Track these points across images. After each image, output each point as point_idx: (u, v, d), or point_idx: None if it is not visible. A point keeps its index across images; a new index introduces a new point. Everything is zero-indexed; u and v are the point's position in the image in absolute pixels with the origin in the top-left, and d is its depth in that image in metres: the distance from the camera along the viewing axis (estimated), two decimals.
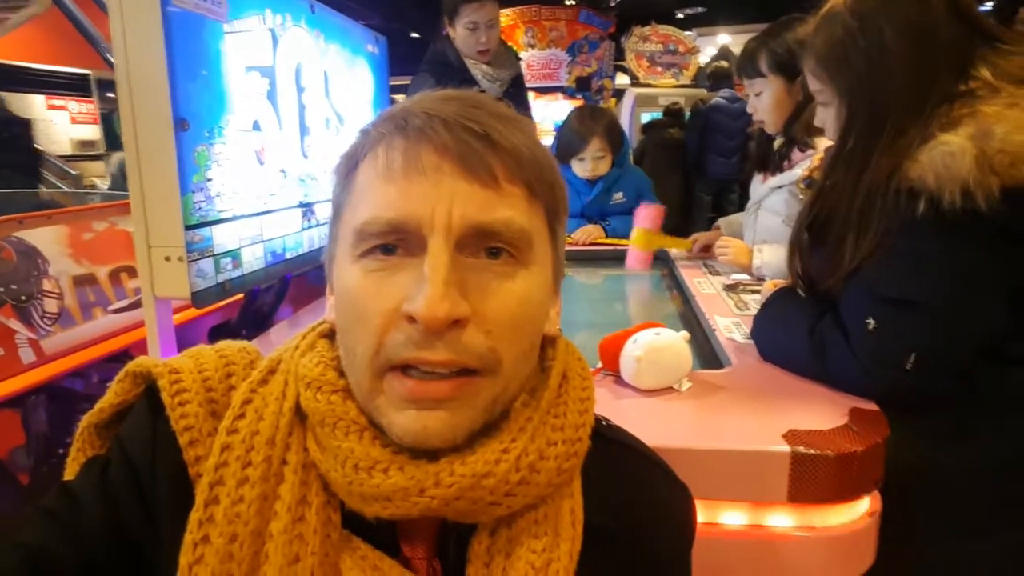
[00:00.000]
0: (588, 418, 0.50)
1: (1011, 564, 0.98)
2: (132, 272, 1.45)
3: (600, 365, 0.99)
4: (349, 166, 0.49)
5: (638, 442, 0.58)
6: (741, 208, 5.10)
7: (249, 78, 1.28)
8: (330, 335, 0.52)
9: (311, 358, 0.49)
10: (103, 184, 5.16)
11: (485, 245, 0.45)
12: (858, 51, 0.91)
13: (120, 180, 2.84)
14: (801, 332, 0.97)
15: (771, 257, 1.46)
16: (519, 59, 2.44)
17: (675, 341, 0.93)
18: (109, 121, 5.96)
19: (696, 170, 5.12)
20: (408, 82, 2.42)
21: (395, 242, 0.44)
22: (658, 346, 0.91)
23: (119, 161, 2.90)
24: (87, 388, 1.29)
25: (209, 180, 1.15)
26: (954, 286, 0.84)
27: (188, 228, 1.10)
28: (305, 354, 0.50)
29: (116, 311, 1.40)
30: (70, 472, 0.53)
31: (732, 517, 0.80)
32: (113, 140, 6.09)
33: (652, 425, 0.85)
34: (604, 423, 0.57)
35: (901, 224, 0.85)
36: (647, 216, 1.78)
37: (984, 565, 0.96)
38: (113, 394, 0.53)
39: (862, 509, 0.81)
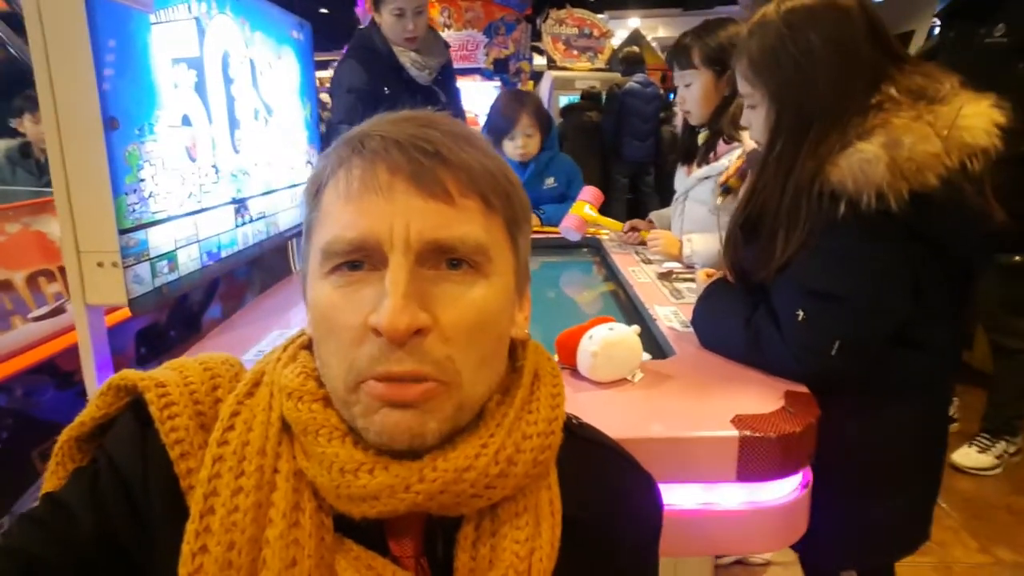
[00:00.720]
0: (560, 412, 0.53)
1: (915, 513, 1.12)
2: (50, 276, 1.35)
3: (556, 359, 1.03)
4: (315, 188, 0.52)
5: (606, 438, 0.62)
6: (657, 189, 5.30)
7: (176, 71, 1.21)
8: (310, 346, 0.54)
9: (292, 369, 0.51)
10: None
11: (445, 258, 0.47)
12: (788, 57, 0.98)
13: (7, 170, 2.60)
14: (738, 323, 1.05)
15: (700, 245, 1.56)
16: (448, 47, 2.41)
17: (628, 336, 0.98)
18: None
19: (613, 153, 5.26)
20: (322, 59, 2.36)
21: (359, 258, 0.47)
22: (612, 341, 0.97)
23: (5, 149, 2.65)
24: (11, 402, 1.19)
25: (142, 180, 1.10)
26: (872, 281, 0.94)
27: (123, 232, 1.05)
28: (287, 365, 0.52)
29: (37, 319, 1.30)
30: (49, 485, 0.53)
31: (686, 496, 0.87)
32: None
33: (610, 416, 0.90)
34: (575, 421, 0.60)
35: (824, 224, 0.94)
36: (591, 193, 2.00)
37: (896, 517, 1.09)
38: (95, 407, 0.54)
39: (798, 482, 0.90)
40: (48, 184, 2.47)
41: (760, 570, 1.89)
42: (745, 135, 1.50)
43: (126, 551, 0.48)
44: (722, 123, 1.58)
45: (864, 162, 0.89)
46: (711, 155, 1.66)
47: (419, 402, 0.45)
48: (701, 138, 1.70)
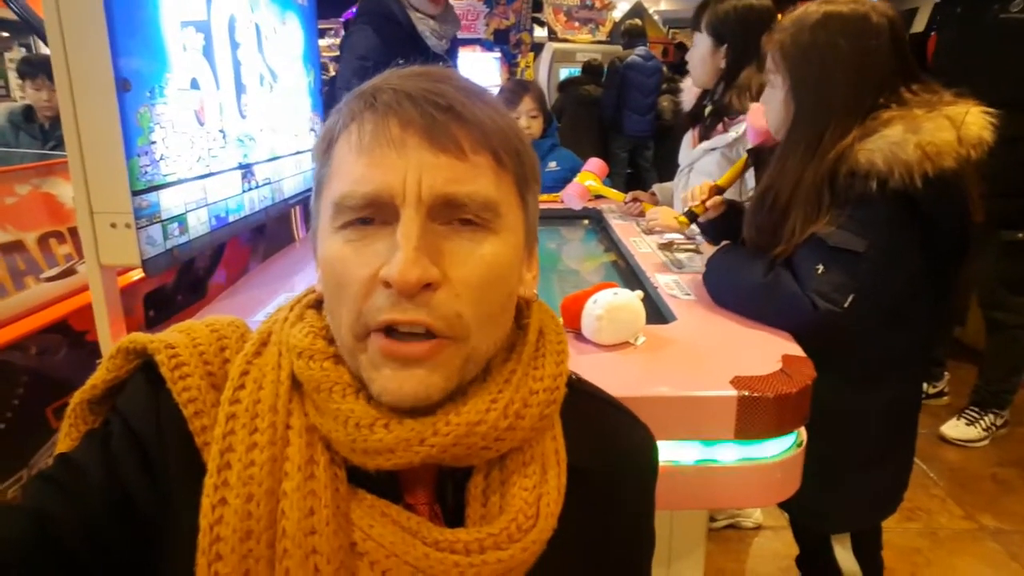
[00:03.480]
0: (564, 368, 0.54)
1: (898, 479, 1.19)
2: (61, 238, 1.36)
3: (561, 322, 1.06)
4: (327, 143, 0.51)
5: (604, 392, 0.64)
6: (655, 163, 5.27)
7: (185, 33, 1.22)
8: (317, 305, 0.55)
9: (300, 328, 0.52)
10: None
11: (454, 216, 0.48)
12: (816, 53, 1.07)
13: (10, 133, 2.59)
14: (756, 273, 1.11)
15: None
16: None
17: (631, 300, 1.01)
18: None
19: (613, 127, 5.24)
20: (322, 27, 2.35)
21: (371, 214, 0.47)
22: (617, 305, 0.99)
23: (8, 112, 2.64)
24: (25, 360, 1.22)
25: (153, 143, 1.11)
26: (891, 243, 1.03)
27: (135, 194, 1.06)
28: (295, 325, 0.53)
29: (49, 279, 1.32)
30: (62, 447, 0.54)
31: (686, 453, 0.90)
32: None
33: (614, 377, 0.93)
34: (574, 377, 0.62)
35: (857, 198, 1.02)
36: (595, 164, 2.07)
37: (880, 483, 1.16)
38: (105, 370, 0.54)
39: (792, 441, 0.94)
40: (53, 148, 2.47)
41: (752, 534, 1.95)
42: (753, 104, 1.52)
43: (138, 510, 0.49)
44: (727, 98, 1.59)
45: (894, 144, 0.98)
46: (719, 126, 1.67)
47: (424, 359, 0.46)
48: (706, 111, 1.72)
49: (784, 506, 1.22)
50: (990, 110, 1.02)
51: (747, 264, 1.15)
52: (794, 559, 1.43)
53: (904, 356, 1.13)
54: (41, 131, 2.57)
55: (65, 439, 0.55)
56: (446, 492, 0.53)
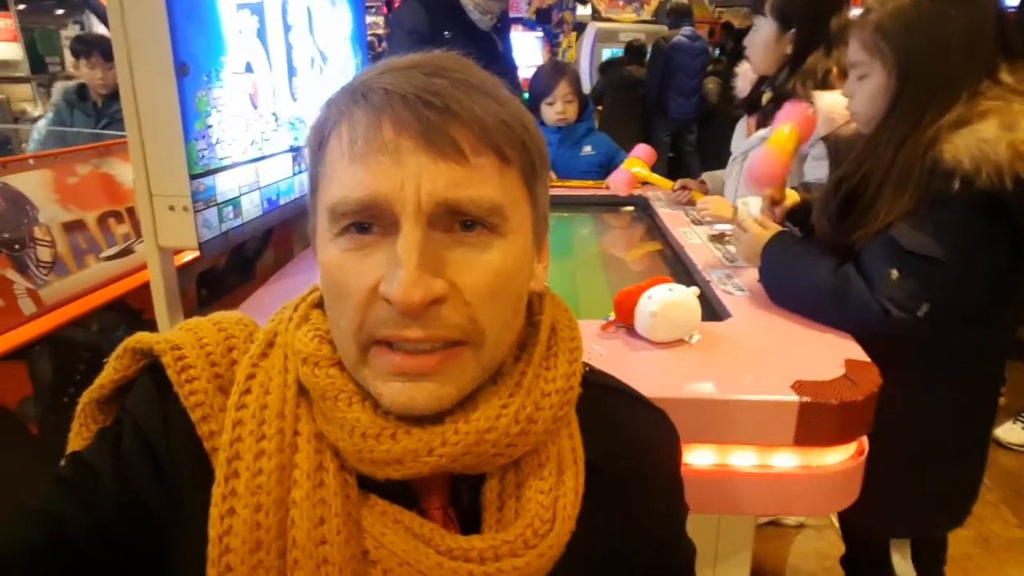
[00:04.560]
0: (577, 367, 0.52)
1: (967, 486, 1.15)
2: (119, 217, 1.40)
3: (613, 317, 1.04)
4: (318, 141, 0.48)
5: (618, 382, 0.61)
6: (699, 148, 5.15)
7: (240, 16, 1.22)
8: (321, 304, 0.52)
9: (305, 331, 0.50)
10: (33, 111, 4.77)
11: (457, 221, 0.45)
12: (923, 27, 1.00)
13: (65, 111, 2.65)
14: (823, 272, 1.06)
15: (756, 209, 1.53)
16: None
17: (687, 297, 0.98)
18: (31, 38, 5.45)
19: (657, 109, 5.13)
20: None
21: (368, 220, 0.44)
22: (672, 302, 0.97)
23: (63, 90, 2.70)
24: (87, 337, 1.25)
25: (209, 127, 1.12)
26: (971, 251, 0.97)
27: (193, 177, 1.07)
28: (299, 326, 0.51)
29: (108, 258, 1.35)
30: (73, 447, 0.53)
31: (743, 458, 0.88)
32: (37, 62, 5.59)
33: (667, 376, 0.91)
34: (587, 369, 0.58)
35: (934, 196, 0.96)
36: (643, 151, 2.03)
37: (947, 489, 1.12)
38: (112, 370, 0.53)
39: (854, 450, 0.91)
40: (106, 126, 2.51)
41: (793, 532, 1.92)
42: (819, 94, 1.46)
43: (150, 514, 0.48)
44: (792, 83, 1.53)
45: (983, 142, 0.91)
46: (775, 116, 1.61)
47: (434, 372, 0.44)
48: (765, 98, 1.65)
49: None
50: None
51: (812, 261, 1.09)
52: (839, 559, 1.40)
53: (979, 355, 1.07)
54: (95, 109, 2.62)
55: (76, 438, 0.54)
56: (461, 495, 0.51)
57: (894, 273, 0.98)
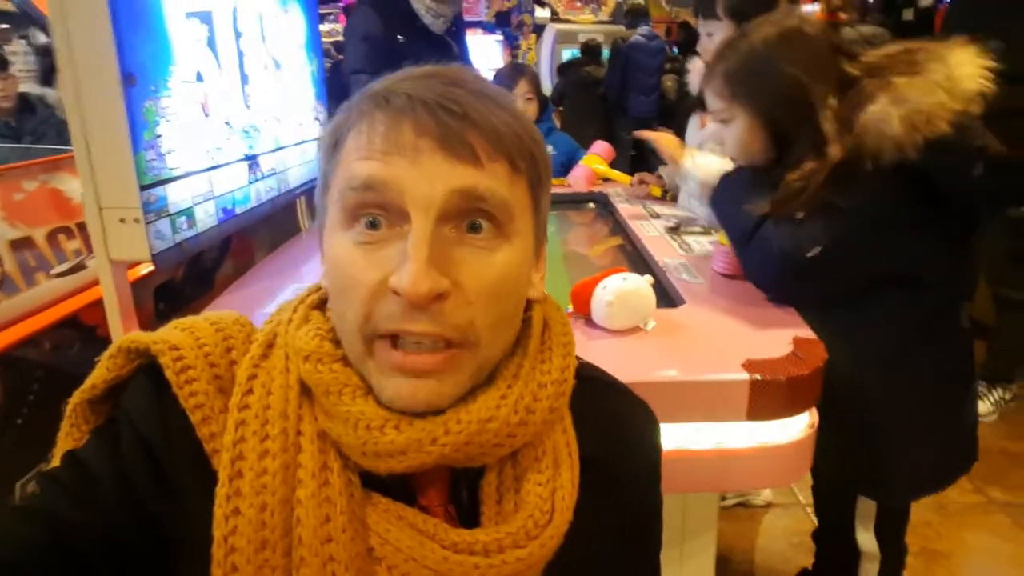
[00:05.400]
0: (571, 360, 0.54)
1: (947, 455, 1.19)
2: (70, 233, 1.37)
3: (572, 309, 1.06)
4: (334, 141, 0.50)
5: (604, 373, 0.64)
6: None
7: (189, 24, 1.21)
8: (320, 306, 0.54)
9: (306, 331, 0.51)
10: None
11: (468, 218, 0.46)
12: (766, 66, 1.06)
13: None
14: (748, 212, 1.10)
15: (703, 160, 1.54)
16: None
17: (641, 285, 1.01)
18: None
19: (618, 109, 5.19)
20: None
21: (379, 214, 0.46)
22: (627, 290, 1.00)
23: None
24: (40, 355, 1.23)
25: (159, 136, 1.11)
26: (876, 211, 1.01)
27: (143, 188, 1.06)
28: (300, 327, 0.52)
29: (59, 275, 1.32)
30: (63, 447, 0.53)
31: (698, 436, 0.91)
32: None
33: (626, 362, 0.94)
34: (578, 363, 0.60)
35: (848, 174, 0.99)
36: (601, 147, 2.10)
37: (928, 459, 1.16)
38: (105, 370, 0.53)
39: (804, 423, 0.95)
40: (34, 142, 2.42)
41: (761, 511, 1.97)
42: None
43: (150, 512, 0.48)
44: None
45: (878, 121, 0.95)
46: None
47: (435, 371, 0.46)
48: None
49: (837, 479, 1.21)
50: (984, 56, 0.97)
51: (746, 200, 1.12)
52: (810, 534, 1.44)
53: (933, 322, 1.11)
54: (9, 128, 2.52)
55: (66, 439, 0.53)
56: (460, 492, 0.53)
57: (800, 215, 1.03)
